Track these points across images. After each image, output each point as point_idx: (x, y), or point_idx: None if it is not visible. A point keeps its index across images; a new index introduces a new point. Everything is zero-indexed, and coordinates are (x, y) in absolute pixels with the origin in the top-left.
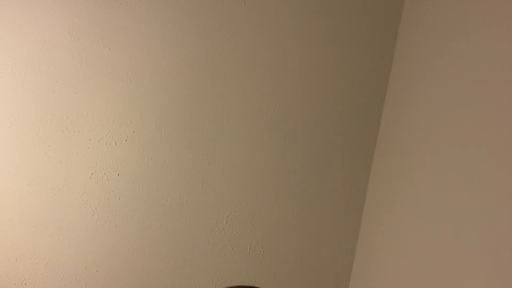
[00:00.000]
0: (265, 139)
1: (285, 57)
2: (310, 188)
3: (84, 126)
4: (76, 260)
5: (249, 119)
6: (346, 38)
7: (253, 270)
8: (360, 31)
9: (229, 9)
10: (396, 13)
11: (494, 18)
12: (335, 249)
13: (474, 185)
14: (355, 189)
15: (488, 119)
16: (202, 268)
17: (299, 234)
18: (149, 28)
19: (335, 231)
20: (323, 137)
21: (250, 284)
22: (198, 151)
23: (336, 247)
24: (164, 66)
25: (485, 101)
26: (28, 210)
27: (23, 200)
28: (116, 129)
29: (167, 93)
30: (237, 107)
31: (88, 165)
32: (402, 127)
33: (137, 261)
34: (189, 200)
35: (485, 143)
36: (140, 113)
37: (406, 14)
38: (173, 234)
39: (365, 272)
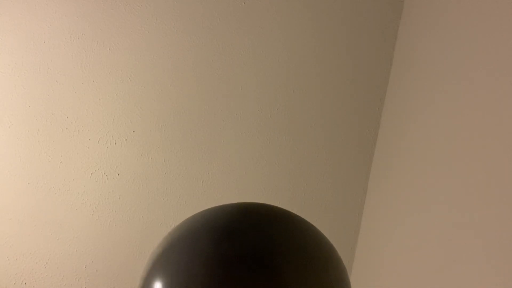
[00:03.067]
0: (265, 139)
1: (285, 56)
2: (310, 188)
3: (84, 125)
4: (76, 259)
5: (249, 119)
6: (346, 38)
7: None
8: (360, 31)
9: (229, 8)
10: (396, 13)
11: (495, 18)
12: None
13: (475, 184)
14: (355, 189)
15: (489, 118)
16: None
17: None
18: (149, 28)
19: (335, 231)
20: (323, 137)
21: None
22: (198, 151)
23: (336, 247)
24: (164, 66)
25: (486, 100)
26: (28, 210)
27: (23, 200)
28: (116, 129)
29: (167, 93)
30: (237, 107)
31: (88, 165)
32: (402, 127)
33: (137, 261)
34: (189, 200)
35: (486, 142)
36: (140, 113)
37: (406, 14)
38: None
39: (365, 272)
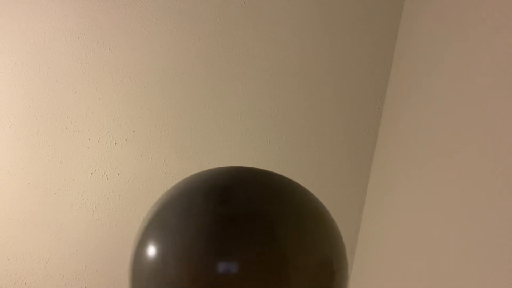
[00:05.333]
0: (265, 139)
1: (285, 56)
2: (310, 188)
3: (84, 125)
4: (76, 259)
5: (249, 119)
6: (346, 38)
7: None
8: (360, 31)
9: (229, 8)
10: (396, 13)
11: (495, 18)
12: None
13: (474, 184)
14: (355, 189)
15: (489, 119)
16: None
17: None
18: (149, 28)
19: None
20: (322, 137)
21: None
22: (198, 151)
23: None
24: (164, 65)
25: (486, 101)
26: (28, 210)
27: (23, 200)
28: (116, 129)
29: (167, 93)
30: (237, 107)
31: (88, 165)
32: (402, 127)
33: None
34: None
35: (485, 143)
36: (140, 113)
37: (406, 14)
38: None
39: (365, 272)
